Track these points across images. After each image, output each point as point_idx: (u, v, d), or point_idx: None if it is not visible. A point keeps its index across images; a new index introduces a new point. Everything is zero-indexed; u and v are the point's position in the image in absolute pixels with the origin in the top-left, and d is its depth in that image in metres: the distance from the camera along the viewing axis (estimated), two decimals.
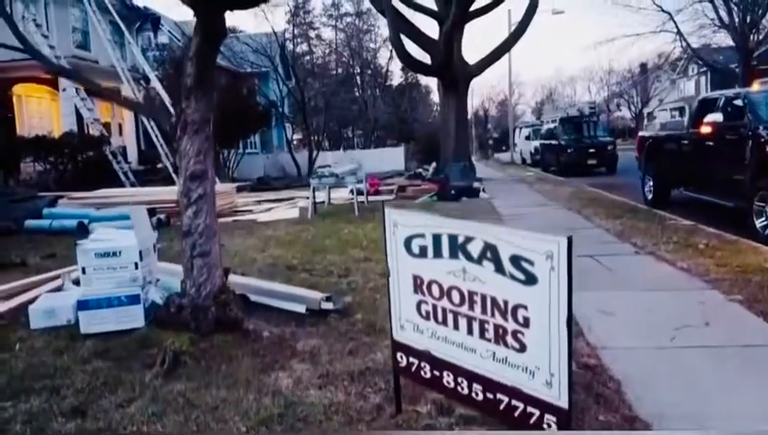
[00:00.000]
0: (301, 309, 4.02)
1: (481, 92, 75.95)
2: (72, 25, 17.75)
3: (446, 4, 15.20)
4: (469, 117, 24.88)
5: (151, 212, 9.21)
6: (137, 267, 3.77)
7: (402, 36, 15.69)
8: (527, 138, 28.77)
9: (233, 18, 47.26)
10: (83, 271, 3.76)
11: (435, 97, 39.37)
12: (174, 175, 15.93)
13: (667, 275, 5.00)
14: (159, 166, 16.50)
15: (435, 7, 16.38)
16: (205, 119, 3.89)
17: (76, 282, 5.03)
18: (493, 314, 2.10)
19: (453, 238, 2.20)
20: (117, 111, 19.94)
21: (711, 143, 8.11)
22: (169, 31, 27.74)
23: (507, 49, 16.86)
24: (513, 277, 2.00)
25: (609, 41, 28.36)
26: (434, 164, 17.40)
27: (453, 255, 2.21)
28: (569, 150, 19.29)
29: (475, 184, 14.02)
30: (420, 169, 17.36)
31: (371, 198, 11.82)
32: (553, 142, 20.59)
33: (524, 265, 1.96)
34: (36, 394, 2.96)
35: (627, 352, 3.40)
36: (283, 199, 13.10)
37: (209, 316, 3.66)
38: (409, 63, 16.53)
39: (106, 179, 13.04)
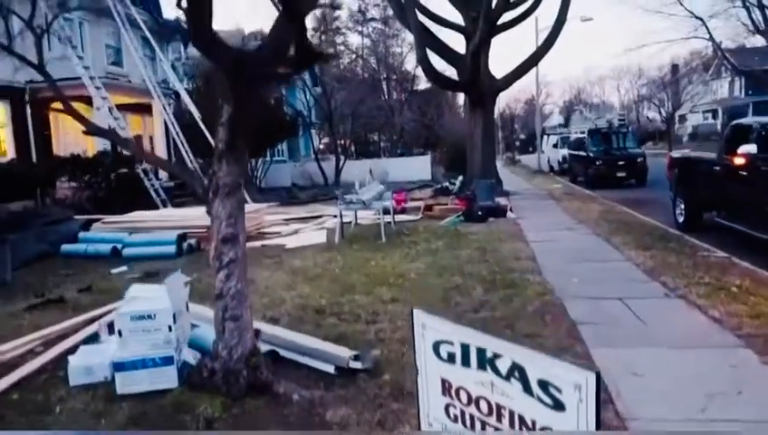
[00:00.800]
0: (329, 369, 4.07)
1: (508, 92, 75.33)
2: (105, 42, 18.18)
3: (474, 20, 15.15)
4: (495, 116, 24.69)
5: (182, 237, 9.44)
6: (170, 330, 3.87)
7: (429, 51, 15.72)
8: (555, 145, 28.52)
9: (259, 25, 47.69)
10: (119, 333, 3.87)
11: (461, 99, 39.15)
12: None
13: (698, 326, 4.92)
14: None
15: (462, 22, 16.33)
16: (236, 182, 3.98)
17: (110, 326, 5.18)
18: (521, 431, 2.12)
19: (481, 351, 2.22)
20: (148, 123, 20.36)
21: (745, 173, 7.95)
22: None
23: (534, 63, 16.74)
24: (540, 400, 2.02)
25: (640, 47, 27.87)
26: (461, 177, 17.37)
27: (481, 367, 2.23)
28: (597, 162, 19.09)
29: (502, 201, 13.97)
30: (447, 183, 17.33)
31: (398, 218, 11.84)
32: (582, 154, 20.38)
33: (552, 391, 1.97)
34: None
35: (657, 426, 3.38)
36: (310, 218, 13.21)
37: (240, 380, 3.74)
38: (436, 80, 16.54)
39: (137, 197, 13.32)
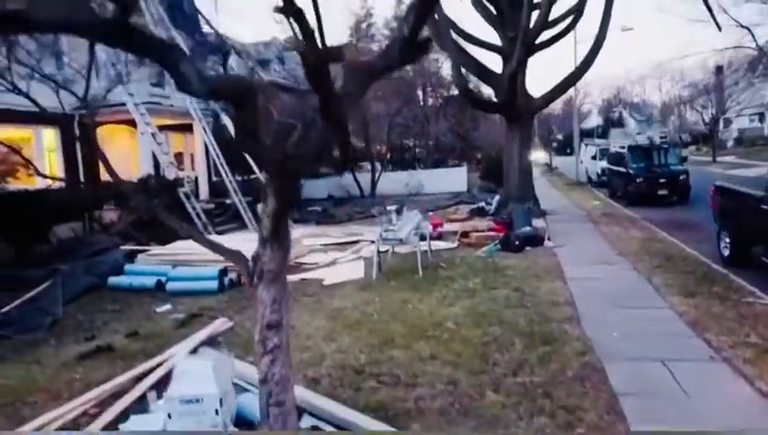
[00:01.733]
0: None
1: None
2: (148, 65, 18.67)
3: (511, 41, 15.05)
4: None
5: (223, 272, 9.67)
6: (217, 413, 4.00)
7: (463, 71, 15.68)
8: (593, 157, 28.10)
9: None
10: (169, 416, 4.02)
11: None
12: (243, 212, 16.54)
13: (744, 401, 4.82)
14: (228, 202, 17.12)
15: (498, 42, 16.23)
16: (280, 268, 4.08)
17: (158, 385, 5.38)
18: None
19: None
20: (189, 142, 20.84)
21: None
22: (238, 53, 28.66)
23: (573, 83, 16.56)
24: None
25: (682, 57, 27.16)
26: (497, 197, 17.28)
27: None
28: (638, 180, 18.74)
29: (540, 225, 13.86)
30: (483, 204, 17.25)
31: (434, 244, 11.87)
32: (622, 170, 20.01)
33: None
34: None
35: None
36: (347, 243, 13.34)
37: None
38: (473, 101, 16.50)
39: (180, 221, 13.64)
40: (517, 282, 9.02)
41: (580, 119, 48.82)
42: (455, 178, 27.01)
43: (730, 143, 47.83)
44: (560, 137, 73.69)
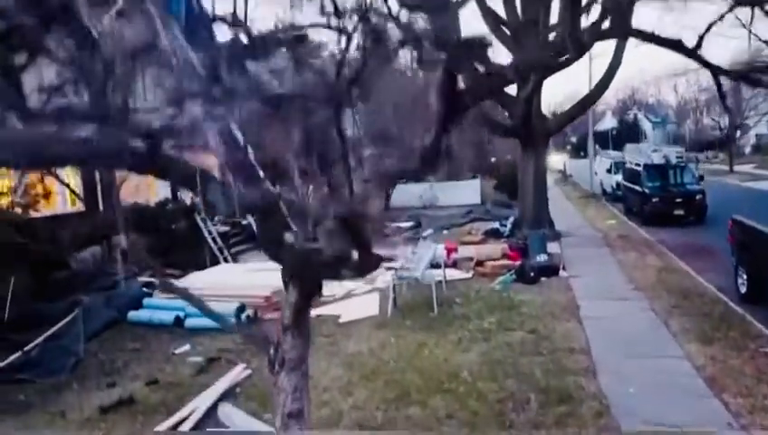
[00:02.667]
0: None
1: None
2: (165, 85, 18.88)
3: None
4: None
5: (240, 308, 9.79)
6: None
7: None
8: (608, 171, 27.99)
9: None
10: None
11: None
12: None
13: None
14: (244, 223, 17.23)
15: None
16: (301, 356, 4.16)
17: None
18: None
19: None
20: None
21: None
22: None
23: (589, 105, 16.49)
24: None
25: (698, 68, 26.73)
26: (512, 218, 17.27)
27: None
28: (654, 199, 18.62)
29: (555, 250, 13.83)
30: (497, 225, 17.23)
31: (449, 274, 11.84)
32: (637, 188, 19.87)
33: None
34: None
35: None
36: None
37: None
38: (487, 124, 16.48)
39: (197, 247, 13.84)
40: (532, 322, 9.03)
41: (594, 120, 48.40)
42: (469, 191, 26.98)
43: (747, 150, 47.31)
44: (573, 139, 73.20)
